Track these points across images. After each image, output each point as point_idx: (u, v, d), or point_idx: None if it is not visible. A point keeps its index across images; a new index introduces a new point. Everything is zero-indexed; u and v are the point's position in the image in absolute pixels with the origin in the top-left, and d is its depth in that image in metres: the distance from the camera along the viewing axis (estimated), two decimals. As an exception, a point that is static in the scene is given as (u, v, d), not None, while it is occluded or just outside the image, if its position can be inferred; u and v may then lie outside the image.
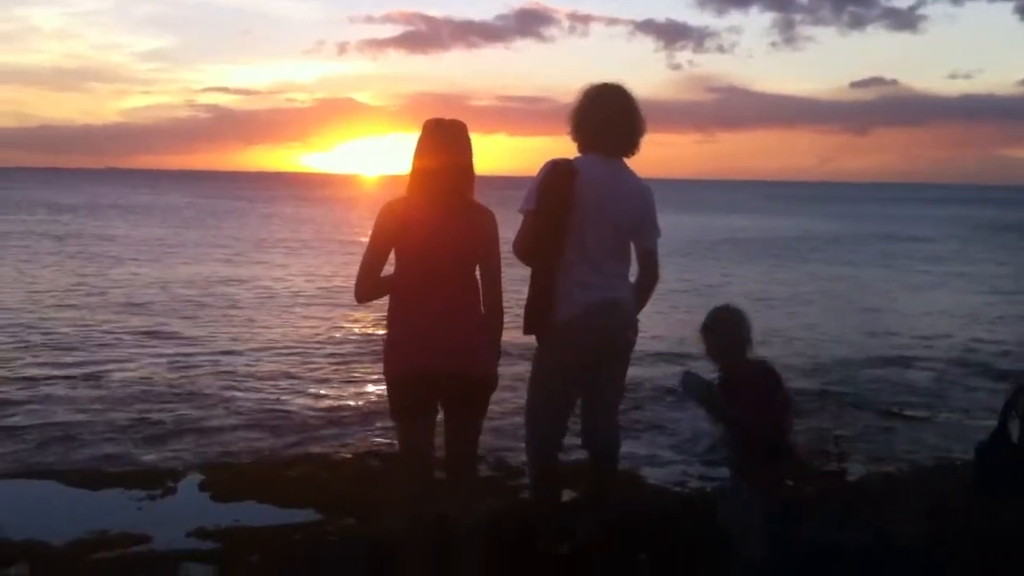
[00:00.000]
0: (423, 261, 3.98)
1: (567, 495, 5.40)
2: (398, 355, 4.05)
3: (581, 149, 4.59)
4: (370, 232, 4.04)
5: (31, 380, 10.62)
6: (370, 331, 14.86)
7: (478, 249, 4.04)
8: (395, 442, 7.92)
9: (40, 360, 11.78)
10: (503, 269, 4.11)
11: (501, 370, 4.15)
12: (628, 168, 4.62)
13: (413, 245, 3.98)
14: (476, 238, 4.02)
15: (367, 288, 4.07)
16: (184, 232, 38.23)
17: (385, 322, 4.15)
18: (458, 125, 4.11)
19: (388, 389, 4.15)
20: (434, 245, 3.96)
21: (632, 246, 4.62)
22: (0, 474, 7.19)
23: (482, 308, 4.10)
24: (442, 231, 3.95)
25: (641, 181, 4.63)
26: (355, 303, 4.20)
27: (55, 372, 11.08)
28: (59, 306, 16.69)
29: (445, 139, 4.04)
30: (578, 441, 4.80)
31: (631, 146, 4.60)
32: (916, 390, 11.14)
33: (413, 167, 4.03)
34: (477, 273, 4.10)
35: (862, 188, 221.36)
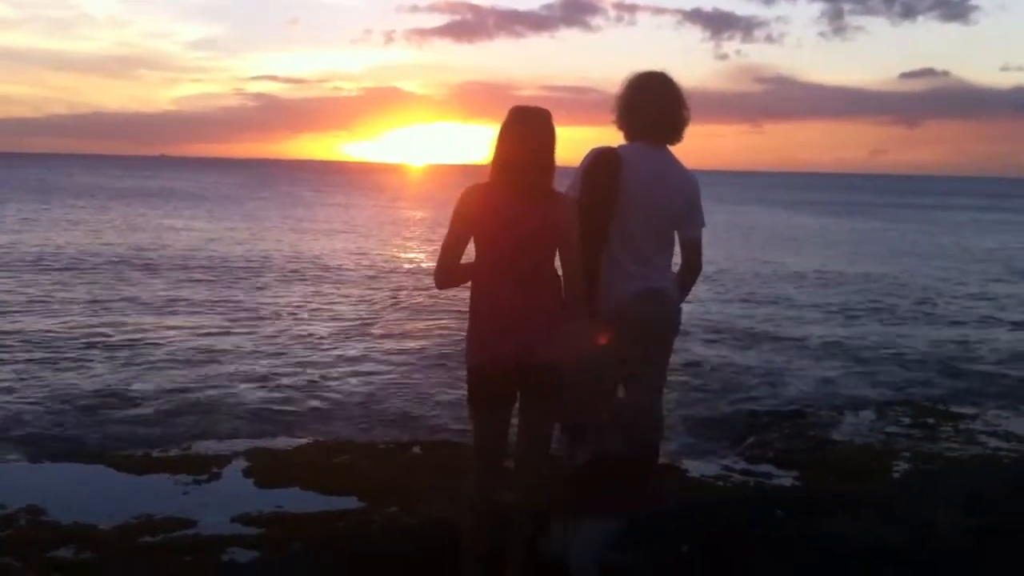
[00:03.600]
0: (502, 248, 3.99)
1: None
2: (478, 344, 4.07)
3: (627, 138, 4.57)
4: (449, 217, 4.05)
5: (78, 360, 10.83)
6: (429, 316, 14.92)
7: (557, 237, 4.03)
8: (439, 432, 8.11)
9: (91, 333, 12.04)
10: None
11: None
12: (674, 157, 4.59)
13: (492, 232, 3.99)
14: (556, 227, 4.02)
15: (447, 274, 4.09)
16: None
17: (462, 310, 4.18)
18: (543, 113, 4.07)
19: (467, 377, 4.17)
20: (513, 233, 3.96)
21: (676, 235, 4.62)
22: (48, 457, 7.32)
23: (563, 295, 4.13)
24: (522, 219, 3.96)
25: (687, 171, 4.60)
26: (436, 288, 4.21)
27: (98, 351, 11.31)
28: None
29: (530, 127, 4.03)
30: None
31: (676, 135, 4.58)
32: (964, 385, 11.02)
33: (495, 154, 4.02)
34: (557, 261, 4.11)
35: (915, 182, 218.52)
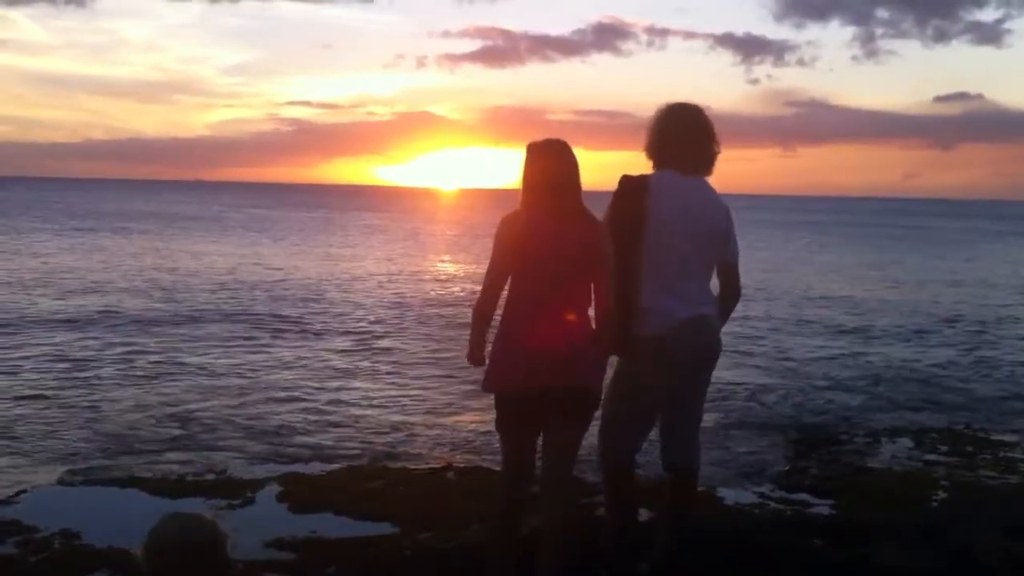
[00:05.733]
0: (538, 268, 4.07)
1: (643, 514, 5.37)
2: (507, 369, 4.10)
3: (656, 167, 4.59)
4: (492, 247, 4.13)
5: (97, 380, 10.88)
6: (461, 338, 14.88)
7: (594, 260, 4.09)
8: (472, 456, 8.09)
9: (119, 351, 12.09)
10: None
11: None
12: (706, 184, 4.61)
13: (533, 254, 4.07)
14: (592, 249, 4.10)
15: (492, 304, 4.13)
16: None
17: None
18: (561, 143, 4.22)
19: (497, 400, 4.20)
20: (554, 253, 4.05)
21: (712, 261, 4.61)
22: (83, 481, 7.34)
23: (593, 321, 4.18)
24: (560, 239, 4.05)
25: (718, 198, 4.63)
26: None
27: (128, 368, 11.35)
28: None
29: (551, 156, 4.17)
30: (648, 458, 4.78)
31: (704, 168, 4.60)
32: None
33: (524, 181, 4.14)
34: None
35: (949, 205, 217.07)
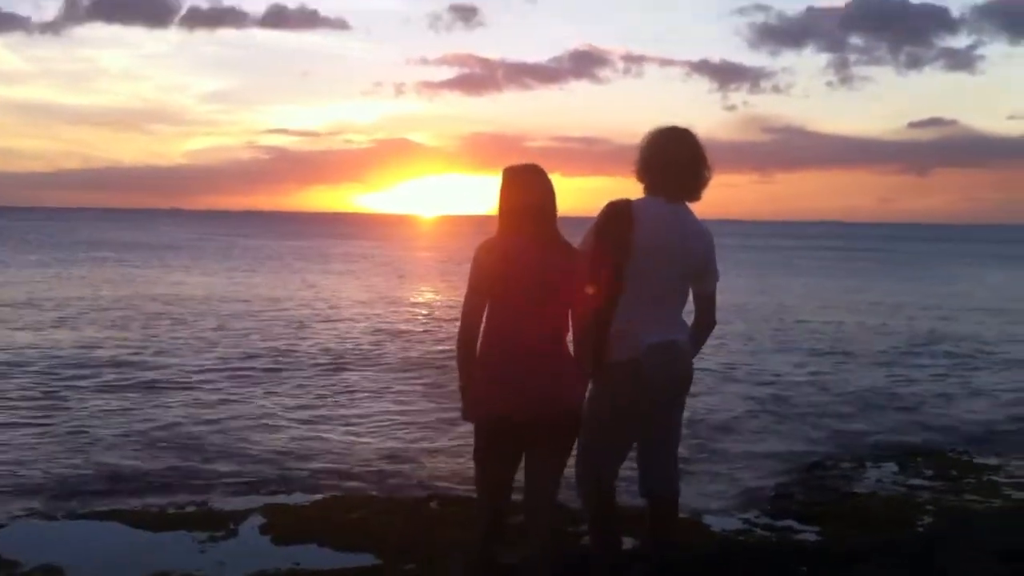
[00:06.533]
0: (517, 295, 4.05)
1: (627, 542, 5.33)
2: (488, 394, 4.06)
3: (646, 191, 4.57)
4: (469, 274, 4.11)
5: (78, 412, 10.76)
6: (442, 364, 14.85)
7: (569, 285, 4.08)
8: (455, 485, 8.03)
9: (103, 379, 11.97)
10: None
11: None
12: (690, 212, 4.59)
13: (510, 280, 4.04)
14: (568, 276, 4.10)
15: (475, 334, 4.10)
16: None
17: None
18: (535, 167, 4.24)
19: (475, 430, 4.17)
20: (528, 279, 4.04)
21: (690, 289, 4.60)
22: (64, 515, 7.25)
23: (571, 345, 4.17)
24: (536, 266, 4.05)
25: (702, 225, 4.61)
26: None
27: (113, 396, 11.24)
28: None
29: (528, 182, 4.17)
30: (634, 487, 4.74)
31: (694, 192, 4.58)
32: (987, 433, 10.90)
33: (501, 208, 4.14)
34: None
35: (924, 229, 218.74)
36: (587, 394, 4.46)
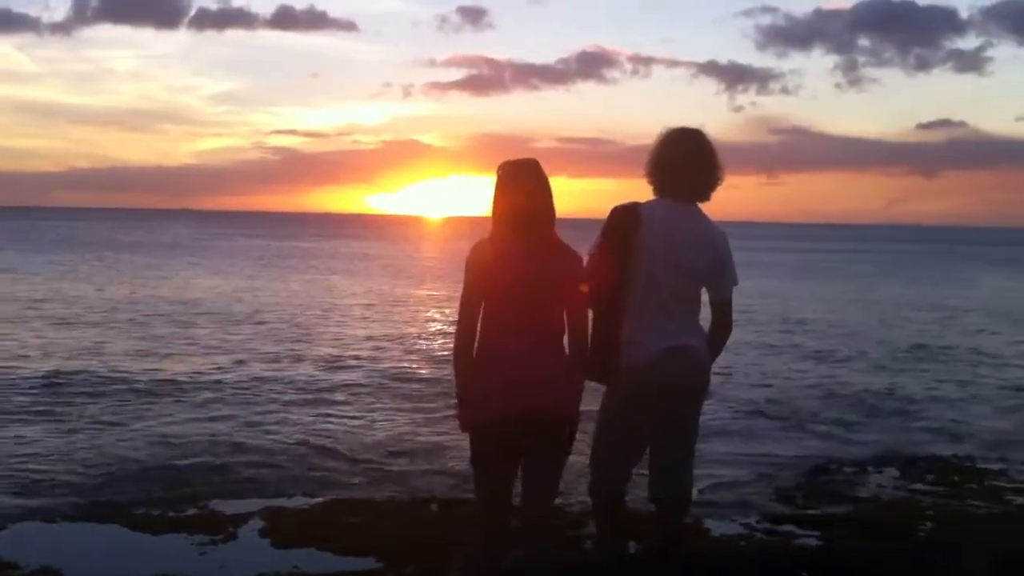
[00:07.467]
0: (510, 300, 4.00)
1: (632, 546, 5.33)
2: (484, 400, 4.03)
3: (656, 192, 4.54)
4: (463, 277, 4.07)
5: (78, 414, 10.78)
6: (440, 367, 14.84)
7: (565, 288, 4.04)
8: (455, 487, 8.02)
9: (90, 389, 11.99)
10: None
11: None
12: (702, 213, 4.55)
13: (504, 282, 4.00)
14: (563, 277, 4.04)
15: (471, 338, 4.07)
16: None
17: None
18: (532, 163, 4.14)
19: (472, 434, 4.13)
20: (522, 284, 3.97)
21: (705, 292, 4.57)
22: (63, 517, 7.25)
23: (566, 347, 4.12)
24: (529, 270, 3.97)
25: (715, 227, 4.56)
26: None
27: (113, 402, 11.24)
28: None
29: (523, 179, 4.08)
30: (643, 492, 4.73)
31: (704, 193, 4.54)
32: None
33: (495, 209, 4.06)
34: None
35: (932, 231, 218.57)
36: (601, 399, 4.47)
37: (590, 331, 4.31)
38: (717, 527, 7.14)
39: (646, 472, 4.70)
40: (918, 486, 8.55)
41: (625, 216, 4.40)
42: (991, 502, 7.99)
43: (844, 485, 8.61)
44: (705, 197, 4.55)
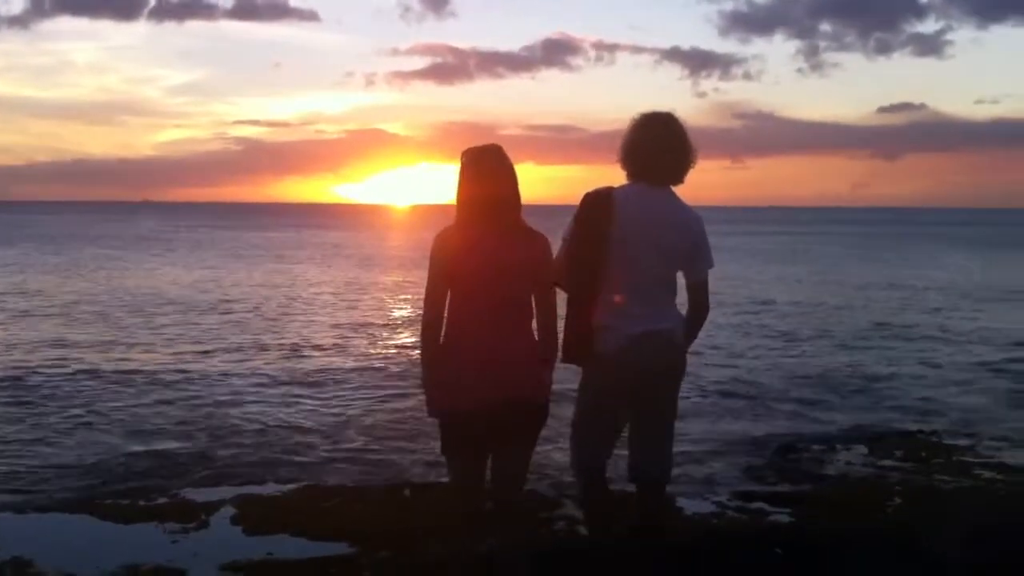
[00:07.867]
0: (477, 287, 3.97)
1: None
2: (452, 387, 4.02)
3: (629, 178, 4.54)
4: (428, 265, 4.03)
5: (46, 405, 10.69)
6: (408, 354, 14.83)
7: (532, 273, 4.02)
8: (427, 472, 8.02)
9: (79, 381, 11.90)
10: None
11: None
12: (676, 197, 4.55)
13: (470, 270, 3.97)
14: (529, 262, 4.01)
15: (438, 327, 4.05)
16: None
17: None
18: (496, 149, 4.10)
19: (440, 423, 4.13)
20: (488, 271, 3.95)
21: (681, 276, 4.57)
22: (35, 508, 7.18)
23: (535, 333, 4.10)
24: (495, 256, 3.94)
25: (691, 211, 4.56)
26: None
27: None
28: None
29: (487, 166, 4.04)
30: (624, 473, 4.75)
31: (677, 176, 4.54)
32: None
33: (459, 197, 4.02)
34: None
35: (897, 213, 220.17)
36: (579, 380, 4.48)
37: (565, 316, 4.32)
38: (689, 505, 7.19)
39: (627, 452, 4.72)
40: (886, 463, 8.63)
41: (598, 201, 4.39)
42: (959, 477, 8.08)
43: (813, 463, 8.68)
44: (679, 180, 4.55)
